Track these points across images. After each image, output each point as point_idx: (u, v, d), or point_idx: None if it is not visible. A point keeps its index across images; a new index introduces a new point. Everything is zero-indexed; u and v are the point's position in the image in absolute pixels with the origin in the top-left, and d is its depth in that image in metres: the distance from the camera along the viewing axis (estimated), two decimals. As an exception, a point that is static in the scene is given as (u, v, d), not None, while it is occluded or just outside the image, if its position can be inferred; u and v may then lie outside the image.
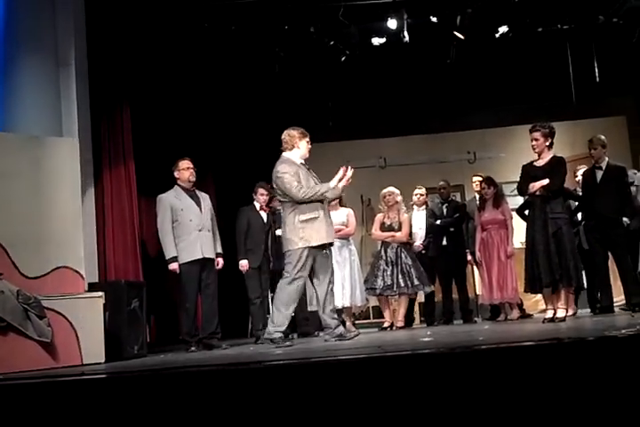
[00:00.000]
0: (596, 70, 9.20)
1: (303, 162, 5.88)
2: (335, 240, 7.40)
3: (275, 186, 5.84)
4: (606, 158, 6.84)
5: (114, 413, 3.16)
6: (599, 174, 6.75)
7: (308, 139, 5.85)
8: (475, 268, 8.15)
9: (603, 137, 6.92)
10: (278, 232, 7.46)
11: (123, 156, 7.45)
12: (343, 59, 9.13)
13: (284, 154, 5.85)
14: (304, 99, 9.77)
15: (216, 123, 9.29)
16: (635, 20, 8.59)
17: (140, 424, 3.12)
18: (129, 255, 7.38)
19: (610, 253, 6.82)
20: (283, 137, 5.86)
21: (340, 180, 5.73)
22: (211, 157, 8.98)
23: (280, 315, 5.63)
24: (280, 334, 5.58)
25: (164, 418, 3.12)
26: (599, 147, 6.83)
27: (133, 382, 3.50)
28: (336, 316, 5.92)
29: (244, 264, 7.20)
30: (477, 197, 7.96)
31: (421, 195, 8.06)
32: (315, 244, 5.65)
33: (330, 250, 5.86)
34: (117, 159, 7.40)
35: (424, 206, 8.07)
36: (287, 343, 5.57)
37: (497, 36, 8.92)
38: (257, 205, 7.47)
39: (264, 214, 7.46)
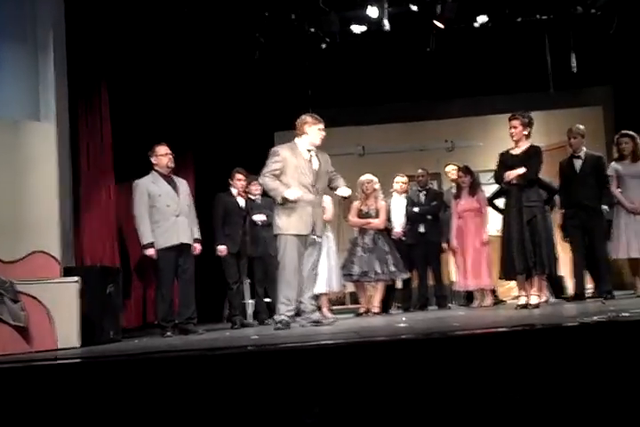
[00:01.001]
0: (574, 61, 9.24)
1: (313, 149, 5.84)
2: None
3: None
4: (584, 148, 6.90)
5: (89, 398, 3.16)
6: (578, 164, 6.81)
7: (320, 126, 5.81)
8: (450, 255, 8.22)
9: (582, 126, 6.98)
10: (255, 218, 7.46)
11: (100, 140, 7.40)
12: (323, 46, 9.11)
13: (295, 140, 5.87)
14: (284, 85, 9.75)
15: (196, 108, 9.24)
16: (612, 12, 8.64)
17: (115, 410, 3.12)
18: (105, 240, 7.35)
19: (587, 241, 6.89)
20: (296, 123, 5.87)
21: (292, 199, 5.66)
22: (191, 142, 8.94)
23: (280, 299, 5.71)
24: (282, 317, 5.63)
25: (139, 403, 3.13)
26: (579, 136, 6.89)
27: (109, 366, 3.50)
28: (314, 302, 5.95)
29: (222, 249, 7.19)
30: (453, 185, 8.01)
31: (403, 183, 8.13)
32: (289, 233, 5.69)
33: (318, 237, 5.85)
34: (95, 144, 7.36)
35: (405, 194, 8.10)
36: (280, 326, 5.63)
37: (476, 25, 8.94)
38: (234, 191, 7.44)
39: (241, 200, 7.45)
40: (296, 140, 5.86)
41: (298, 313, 5.89)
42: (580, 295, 6.72)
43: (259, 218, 7.46)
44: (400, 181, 8.13)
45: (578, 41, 9.16)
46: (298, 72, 9.59)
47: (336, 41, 9.05)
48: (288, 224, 5.68)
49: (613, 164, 6.83)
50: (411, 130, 10.57)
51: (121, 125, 7.75)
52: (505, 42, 9.32)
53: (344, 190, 5.93)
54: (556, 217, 7.36)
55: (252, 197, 7.62)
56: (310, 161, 5.82)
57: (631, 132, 6.79)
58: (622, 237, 6.62)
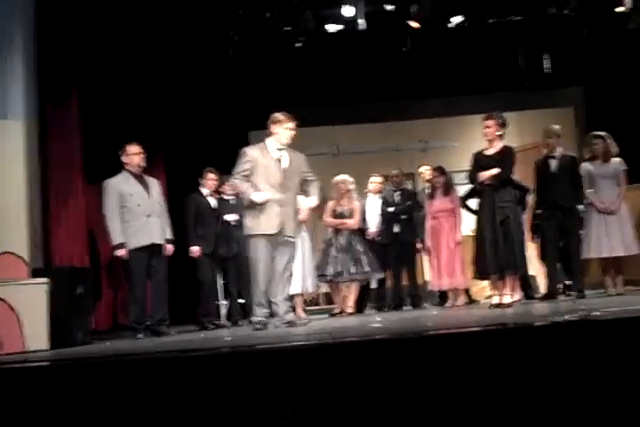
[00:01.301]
0: (547, 62, 9.31)
1: (284, 148, 5.82)
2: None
3: None
4: (559, 148, 6.94)
5: (58, 401, 3.12)
6: (553, 164, 6.83)
7: (288, 124, 5.79)
8: (424, 255, 8.23)
9: (557, 127, 7.01)
10: (227, 217, 7.41)
11: (70, 139, 7.29)
12: (298, 45, 9.09)
13: (266, 139, 5.87)
14: (258, 84, 9.71)
15: (168, 107, 9.16)
16: (585, 13, 8.72)
17: (85, 413, 3.08)
18: (75, 241, 7.25)
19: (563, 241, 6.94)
20: (268, 122, 5.87)
21: (258, 202, 5.66)
22: (162, 141, 8.86)
23: (254, 301, 5.74)
24: (259, 318, 5.66)
25: (110, 406, 3.09)
26: (555, 137, 6.91)
27: (79, 369, 3.46)
28: (288, 303, 5.93)
29: (195, 251, 7.13)
30: (427, 185, 8.02)
31: (378, 183, 8.12)
32: (257, 233, 5.68)
33: (290, 237, 5.82)
34: (65, 143, 7.24)
35: (379, 194, 8.10)
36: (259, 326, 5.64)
37: (451, 25, 8.97)
38: (204, 191, 7.38)
39: (213, 200, 7.39)
40: (267, 139, 5.86)
41: (272, 314, 5.87)
42: (551, 295, 6.76)
43: (231, 218, 7.41)
44: (375, 182, 8.13)
45: (551, 42, 9.23)
46: (272, 71, 9.56)
47: (311, 40, 9.03)
48: (256, 224, 5.69)
49: (585, 164, 6.88)
50: (385, 130, 10.58)
51: (91, 125, 7.65)
52: (479, 42, 9.37)
53: (310, 201, 5.90)
54: (525, 217, 7.40)
55: (226, 197, 7.57)
56: (280, 160, 5.80)
57: (602, 133, 6.84)
58: (593, 237, 6.68)
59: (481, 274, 6.16)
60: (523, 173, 7.35)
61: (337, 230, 7.68)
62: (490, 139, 6.14)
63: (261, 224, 5.67)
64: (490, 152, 6.16)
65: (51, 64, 7.03)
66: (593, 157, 6.84)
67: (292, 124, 5.80)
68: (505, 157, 6.09)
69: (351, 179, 7.75)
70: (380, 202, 8.06)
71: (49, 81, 7.03)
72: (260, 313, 5.69)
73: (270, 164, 5.75)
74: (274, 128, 5.80)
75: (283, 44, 9.10)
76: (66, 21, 7.25)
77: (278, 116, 5.84)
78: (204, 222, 7.23)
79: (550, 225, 6.77)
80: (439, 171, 7.70)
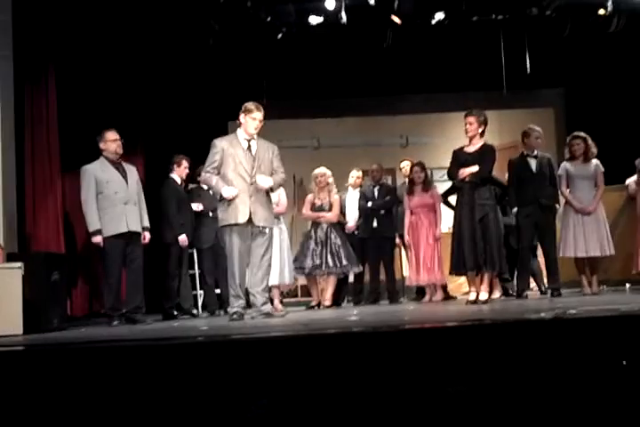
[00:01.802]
0: (528, 62, 9.35)
1: (253, 138, 5.82)
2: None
3: None
4: (537, 149, 7.01)
5: (30, 386, 3.10)
6: (533, 163, 6.88)
7: (255, 114, 5.78)
8: (402, 250, 8.26)
9: (539, 128, 7.06)
10: (194, 206, 7.41)
11: (46, 123, 7.22)
12: (279, 36, 9.04)
13: (237, 129, 5.89)
14: (238, 74, 9.65)
15: (147, 95, 9.08)
16: (566, 14, 8.76)
17: (57, 399, 3.06)
18: (50, 227, 7.19)
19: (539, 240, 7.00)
20: None
21: (228, 198, 5.67)
22: (141, 129, 8.78)
23: (230, 292, 5.74)
24: (235, 309, 5.65)
25: (82, 392, 3.07)
26: (537, 137, 6.94)
27: (52, 355, 3.43)
28: (265, 294, 5.93)
29: (183, 240, 7.13)
30: (407, 181, 8.03)
31: (358, 177, 8.11)
32: (228, 223, 5.70)
33: (263, 227, 5.81)
34: (41, 128, 7.17)
35: (359, 188, 8.11)
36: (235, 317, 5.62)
37: (433, 22, 8.97)
38: (177, 179, 7.35)
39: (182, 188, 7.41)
40: (238, 129, 5.89)
41: (249, 305, 5.87)
42: (522, 292, 6.82)
43: (195, 207, 7.40)
44: (355, 176, 8.13)
45: (532, 42, 9.27)
46: (253, 61, 9.50)
47: (292, 31, 8.98)
48: (226, 215, 5.71)
49: (565, 163, 6.95)
50: (366, 124, 10.58)
51: (68, 111, 7.57)
52: (461, 40, 9.38)
53: (265, 181, 5.81)
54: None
55: (205, 187, 7.55)
56: (249, 150, 5.80)
57: (583, 134, 6.91)
58: (570, 237, 6.75)
59: (457, 270, 6.20)
60: (499, 172, 7.42)
61: (315, 224, 7.68)
62: (471, 135, 6.18)
63: (231, 215, 5.69)
64: (470, 149, 6.20)
65: (27, 47, 6.95)
66: (572, 158, 6.90)
67: (259, 115, 5.79)
68: (485, 155, 6.13)
69: (330, 172, 7.75)
70: (357, 196, 8.06)
71: (25, 66, 6.95)
72: (236, 304, 5.69)
73: (239, 154, 5.76)
74: (241, 118, 5.81)
75: (264, 35, 9.04)
76: (43, 4, 7.16)
77: (247, 105, 5.84)
78: (182, 210, 7.21)
79: (528, 223, 6.82)
80: (420, 166, 7.71)
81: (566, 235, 6.78)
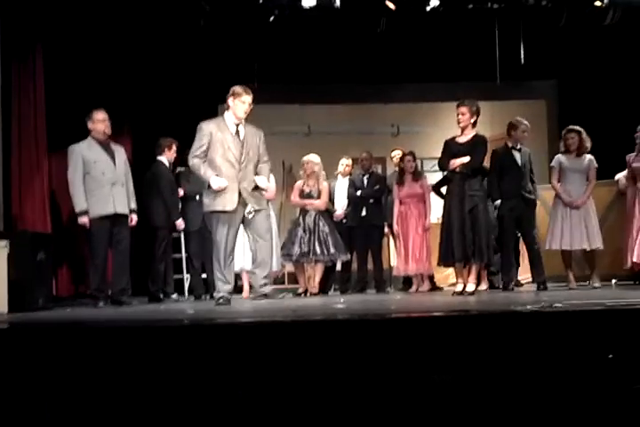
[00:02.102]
0: (522, 53, 9.34)
1: (241, 122, 5.76)
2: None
3: None
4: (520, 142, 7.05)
5: (14, 364, 3.09)
6: (518, 156, 6.90)
7: (244, 98, 5.70)
8: (390, 240, 8.26)
9: (526, 122, 7.07)
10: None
11: (34, 103, 7.15)
12: (272, 19, 8.95)
13: (224, 113, 5.80)
14: (229, 57, 9.57)
15: (136, 75, 9.01)
16: (562, 5, 8.74)
17: (40, 378, 3.05)
18: (37, 207, 7.14)
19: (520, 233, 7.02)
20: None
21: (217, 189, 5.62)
22: (129, 109, 8.72)
23: (215, 277, 5.72)
24: (222, 294, 5.62)
25: (65, 371, 3.07)
26: (524, 131, 6.96)
27: (36, 333, 3.43)
28: (266, 275, 5.87)
29: (180, 223, 7.14)
30: (397, 170, 8.02)
31: (347, 165, 8.08)
32: (215, 209, 5.67)
33: (256, 211, 5.78)
34: (28, 106, 7.10)
35: (349, 176, 8.09)
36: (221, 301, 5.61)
37: (427, 9, 8.91)
38: (166, 162, 7.29)
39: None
40: (225, 113, 5.80)
41: (237, 290, 5.87)
42: (507, 285, 6.85)
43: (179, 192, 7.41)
44: (344, 164, 8.09)
45: (527, 33, 9.25)
46: (244, 44, 9.42)
47: (285, 14, 8.89)
48: (213, 201, 5.65)
49: (559, 156, 6.96)
50: (357, 112, 10.53)
51: (56, 90, 7.51)
52: (455, 29, 9.34)
53: (261, 181, 5.82)
54: None
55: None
56: (237, 135, 5.74)
57: (577, 128, 6.91)
58: (557, 230, 6.78)
59: (445, 261, 6.20)
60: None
61: (304, 211, 7.66)
62: (463, 126, 6.16)
63: (219, 201, 5.63)
64: (462, 140, 6.18)
65: (15, 26, 6.88)
66: (567, 151, 6.92)
67: (248, 98, 5.72)
68: (476, 146, 6.12)
69: (318, 160, 7.72)
70: (346, 184, 8.04)
71: (13, 43, 6.88)
72: (222, 289, 5.66)
73: (227, 138, 5.69)
74: (230, 101, 5.72)
75: (256, 17, 8.95)
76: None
77: (236, 88, 5.76)
78: (174, 194, 7.19)
79: (511, 215, 6.84)
80: (412, 156, 7.70)
81: (553, 227, 6.81)
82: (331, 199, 7.82)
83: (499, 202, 6.87)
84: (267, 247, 5.83)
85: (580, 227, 6.73)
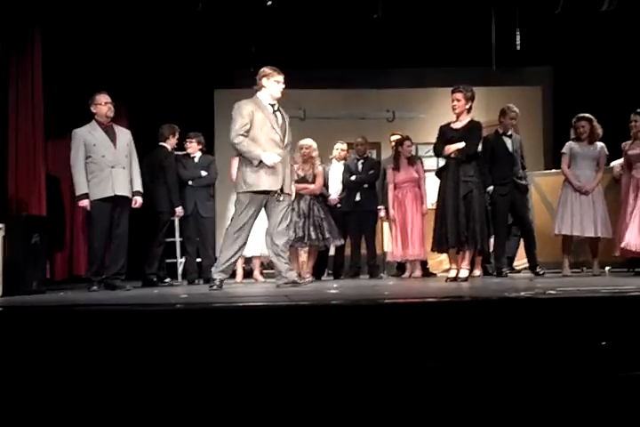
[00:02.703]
0: (518, 39, 9.30)
1: (275, 103, 5.73)
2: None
3: None
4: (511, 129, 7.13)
5: (8, 348, 3.09)
6: (509, 143, 6.94)
7: (278, 77, 5.70)
8: (384, 225, 8.27)
9: (516, 108, 7.15)
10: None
11: (31, 87, 7.13)
12: (269, 3, 8.91)
13: (256, 93, 5.74)
14: (226, 41, 9.53)
15: (133, 59, 8.98)
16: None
17: (33, 360, 3.06)
18: (33, 190, 7.14)
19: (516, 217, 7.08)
20: (257, 76, 5.75)
21: (271, 165, 5.55)
22: (126, 93, 8.69)
23: (222, 258, 5.63)
24: (220, 276, 5.59)
25: (61, 354, 3.07)
26: (514, 118, 7.05)
27: (30, 316, 3.43)
28: (288, 261, 5.85)
29: (180, 211, 7.16)
30: (393, 154, 8.00)
31: (342, 150, 8.06)
32: (258, 189, 5.58)
33: (287, 194, 5.78)
34: (25, 90, 7.09)
35: (344, 161, 8.07)
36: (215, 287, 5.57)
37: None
38: (169, 148, 7.31)
39: None
40: (257, 94, 5.73)
41: (233, 275, 5.85)
42: (500, 271, 6.88)
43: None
44: (340, 148, 8.08)
45: (523, 19, 9.21)
46: (241, 29, 9.38)
47: (282, -1, 8.84)
48: (258, 180, 5.56)
49: (570, 143, 6.95)
50: (353, 97, 10.49)
51: (54, 75, 7.48)
52: (451, 14, 9.30)
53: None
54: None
55: (191, 156, 7.52)
56: (275, 115, 5.72)
57: (589, 115, 6.89)
58: (567, 214, 6.76)
59: (439, 247, 6.20)
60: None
61: (298, 195, 7.63)
62: (459, 112, 6.15)
63: (265, 181, 5.56)
64: (457, 126, 6.17)
65: (13, 8, 6.84)
66: (578, 139, 6.91)
67: (281, 78, 5.72)
68: (471, 132, 6.11)
69: (315, 145, 7.71)
70: (341, 168, 8.03)
71: (11, 26, 6.84)
72: (221, 270, 5.61)
73: (270, 117, 5.65)
74: (264, 82, 5.69)
75: (253, 2, 8.91)
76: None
77: (267, 69, 5.74)
78: (176, 181, 7.25)
79: (504, 201, 6.87)
80: (410, 141, 7.70)
81: (563, 212, 6.79)
82: (325, 184, 7.80)
83: (491, 188, 6.88)
84: (285, 234, 5.78)
85: (590, 214, 6.72)
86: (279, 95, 5.72)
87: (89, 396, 2.95)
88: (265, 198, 5.64)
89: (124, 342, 3.11)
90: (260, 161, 5.53)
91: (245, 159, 5.61)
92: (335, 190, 7.92)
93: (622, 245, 6.48)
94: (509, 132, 6.97)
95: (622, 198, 6.83)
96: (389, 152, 8.47)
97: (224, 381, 3.00)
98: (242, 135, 5.57)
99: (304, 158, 7.63)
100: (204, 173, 7.46)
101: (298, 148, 7.67)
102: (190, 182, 7.40)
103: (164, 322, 3.27)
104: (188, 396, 2.96)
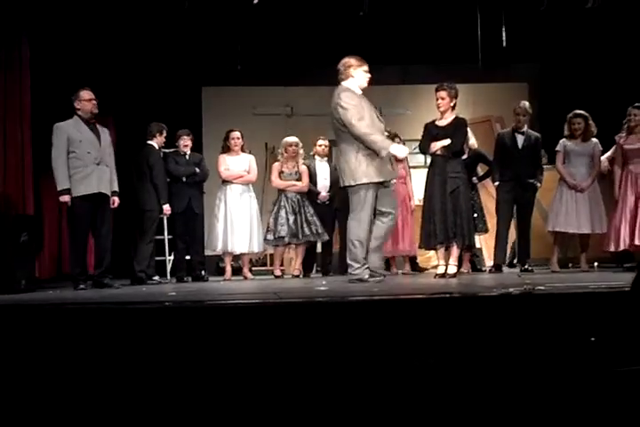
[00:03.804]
0: (504, 36, 9.32)
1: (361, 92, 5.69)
2: (237, 186, 7.41)
3: (335, 115, 5.60)
4: (526, 125, 7.11)
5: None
6: (520, 140, 6.97)
7: (365, 68, 5.66)
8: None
9: (528, 104, 7.17)
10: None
11: (19, 86, 7.10)
12: (256, 1, 8.89)
13: (342, 83, 5.66)
14: (213, 39, 9.51)
15: (120, 57, 8.93)
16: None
17: (24, 359, 3.05)
18: (20, 188, 7.10)
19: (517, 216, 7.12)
20: (338, 66, 5.68)
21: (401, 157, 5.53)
22: (112, 91, 8.63)
23: (356, 252, 5.50)
24: (368, 273, 5.48)
25: (49, 353, 3.07)
26: (528, 114, 7.07)
27: (19, 314, 3.43)
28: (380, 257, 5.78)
29: (167, 209, 7.14)
30: None
31: (325, 146, 8.03)
32: (376, 180, 5.52)
33: (390, 185, 5.75)
34: (13, 89, 7.05)
35: (326, 158, 8.07)
36: (378, 279, 5.49)
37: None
38: (156, 147, 7.29)
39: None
40: (345, 84, 5.66)
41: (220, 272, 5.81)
42: (499, 267, 6.91)
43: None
44: (322, 144, 7.99)
45: (509, 16, 9.23)
46: (227, 26, 9.35)
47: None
48: (373, 171, 5.49)
49: (563, 140, 6.97)
50: (339, 94, 10.50)
51: (41, 72, 7.45)
52: (437, 11, 9.30)
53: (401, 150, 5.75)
54: (491, 191, 7.53)
55: (182, 153, 7.51)
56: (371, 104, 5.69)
57: (583, 113, 6.89)
58: (562, 212, 6.79)
59: (427, 244, 6.22)
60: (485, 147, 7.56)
61: (285, 192, 7.62)
62: (444, 110, 6.17)
63: (385, 172, 5.52)
64: (442, 123, 6.20)
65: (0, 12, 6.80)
66: (572, 136, 6.93)
67: (367, 67, 5.68)
68: (457, 129, 6.14)
69: (300, 142, 7.71)
70: (326, 165, 8.01)
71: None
72: (358, 268, 5.48)
73: (370, 110, 5.62)
74: (352, 72, 5.63)
75: (239, -1, 8.89)
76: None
77: (354, 60, 5.67)
78: (163, 179, 7.22)
79: (507, 198, 6.90)
80: (399, 138, 7.70)
81: (558, 209, 6.82)
82: (312, 181, 7.78)
83: (496, 184, 6.93)
84: (385, 225, 5.70)
85: (586, 210, 6.74)
86: (366, 85, 5.68)
87: (80, 394, 2.94)
88: (378, 189, 5.58)
89: (114, 340, 3.11)
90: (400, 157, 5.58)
91: (364, 150, 5.49)
92: (322, 187, 7.90)
93: (637, 242, 6.40)
94: (522, 129, 6.97)
95: (618, 194, 6.67)
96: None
97: (215, 378, 3.00)
98: (368, 129, 5.46)
99: (291, 155, 7.63)
100: (197, 170, 7.46)
101: (283, 145, 7.66)
102: (184, 179, 7.38)
103: (154, 320, 3.27)
104: (179, 394, 2.96)
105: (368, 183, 5.49)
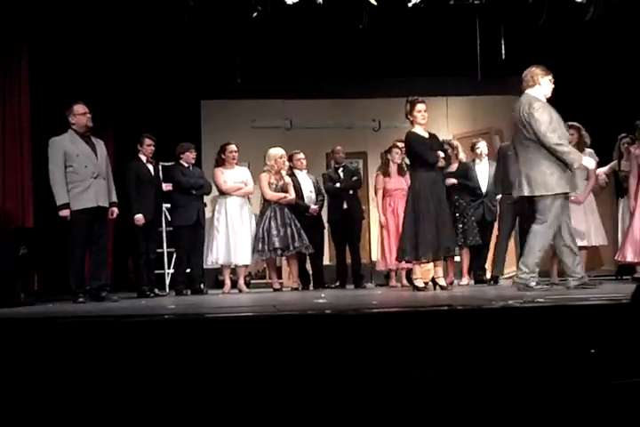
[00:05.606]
0: (503, 48, 9.36)
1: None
2: (236, 199, 7.43)
3: (524, 122, 5.51)
4: None
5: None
6: None
7: (550, 77, 5.68)
8: (370, 233, 8.28)
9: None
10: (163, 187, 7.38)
11: (18, 97, 7.11)
12: (255, 14, 8.95)
13: (527, 91, 5.67)
14: (213, 52, 9.56)
15: (119, 70, 8.96)
16: (543, 1, 8.76)
17: (24, 372, 3.05)
18: (19, 201, 7.10)
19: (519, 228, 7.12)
20: (524, 75, 5.72)
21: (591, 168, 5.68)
22: (112, 105, 8.68)
23: (533, 259, 5.46)
24: (536, 280, 5.43)
25: (49, 366, 3.06)
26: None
27: (18, 328, 3.42)
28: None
29: (139, 219, 7.05)
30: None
31: (304, 159, 8.02)
32: (567, 191, 5.52)
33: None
34: (12, 102, 7.07)
35: (305, 171, 8.05)
36: (545, 287, 5.45)
37: (409, 5, 8.92)
38: (143, 158, 7.28)
39: (151, 167, 7.31)
40: (529, 91, 5.67)
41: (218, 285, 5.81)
42: (497, 279, 6.90)
43: (165, 187, 7.42)
44: (301, 158, 8.02)
45: (508, 28, 9.27)
46: (227, 39, 9.40)
47: (268, 10, 8.87)
48: (565, 182, 5.48)
49: None
50: (339, 107, 10.50)
51: (41, 86, 7.48)
52: (437, 24, 9.35)
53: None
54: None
55: (186, 165, 7.50)
56: None
57: (576, 124, 6.89)
58: None
59: (436, 255, 6.16)
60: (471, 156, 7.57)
61: (271, 204, 7.60)
62: (425, 122, 6.28)
63: (570, 182, 5.53)
64: (426, 135, 6.28)
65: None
66: None
67: (552, 77, 5.71)
68: (437, 141, 6.37)
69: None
70: (307, 178, 8.01)
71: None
72: (528, 277, 5.39)
73: (559, 120, 5.61)
74: (540, 80, 5.64)
75: (239, 13, 8.93)
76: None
77: (540, 69, 5.71)
78: (144, 190, 7.14)
79: (511, 210, 6.90)
80: (399, 148, 7.67)
81: None
82: (298, 194, 7.77)
83: (499, 197, 6.94)
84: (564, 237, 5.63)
85: (584, 222, 6.71)
86: (550, 94, 5.69)
87: (81, 408, 2.94)
88: (564, 200, 5.55)
89: (114, 353, 3.11)
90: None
91: (554, 160, 5.46)
92: (309, 199, 7.88)
93: None
94: None
95: (632, 208, 6.70)
96: (375, 161, 8.50)
97: (213, 390, 2.99)
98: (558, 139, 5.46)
99: (281, 168, 7.64)
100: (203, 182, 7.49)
101: (272, 157, 7.65)
102: (194, 192, 7.39)
103: (153, 333, 3.27)
104: (178, 405, 2.95)
105: (559, 194, 5.48)
